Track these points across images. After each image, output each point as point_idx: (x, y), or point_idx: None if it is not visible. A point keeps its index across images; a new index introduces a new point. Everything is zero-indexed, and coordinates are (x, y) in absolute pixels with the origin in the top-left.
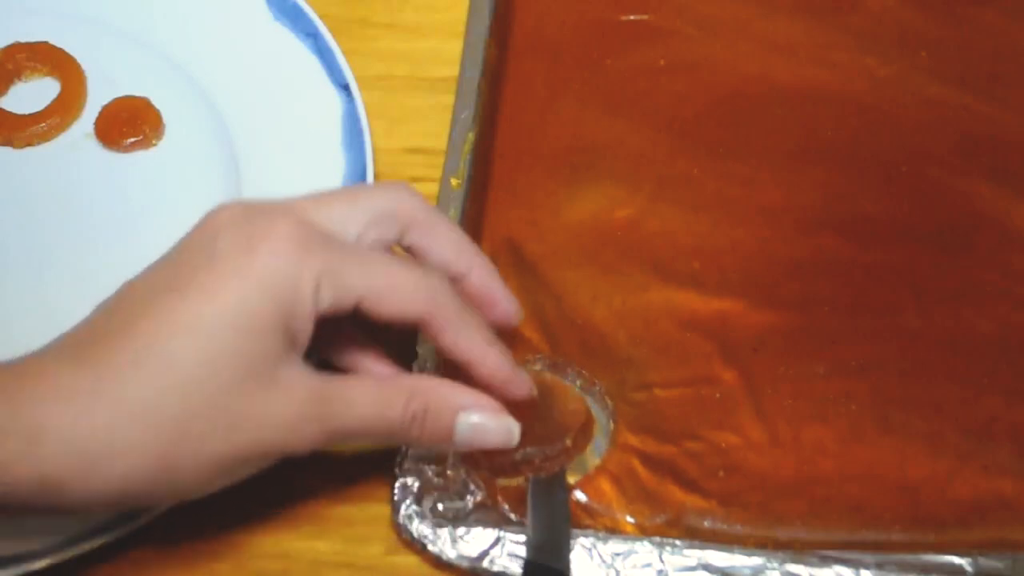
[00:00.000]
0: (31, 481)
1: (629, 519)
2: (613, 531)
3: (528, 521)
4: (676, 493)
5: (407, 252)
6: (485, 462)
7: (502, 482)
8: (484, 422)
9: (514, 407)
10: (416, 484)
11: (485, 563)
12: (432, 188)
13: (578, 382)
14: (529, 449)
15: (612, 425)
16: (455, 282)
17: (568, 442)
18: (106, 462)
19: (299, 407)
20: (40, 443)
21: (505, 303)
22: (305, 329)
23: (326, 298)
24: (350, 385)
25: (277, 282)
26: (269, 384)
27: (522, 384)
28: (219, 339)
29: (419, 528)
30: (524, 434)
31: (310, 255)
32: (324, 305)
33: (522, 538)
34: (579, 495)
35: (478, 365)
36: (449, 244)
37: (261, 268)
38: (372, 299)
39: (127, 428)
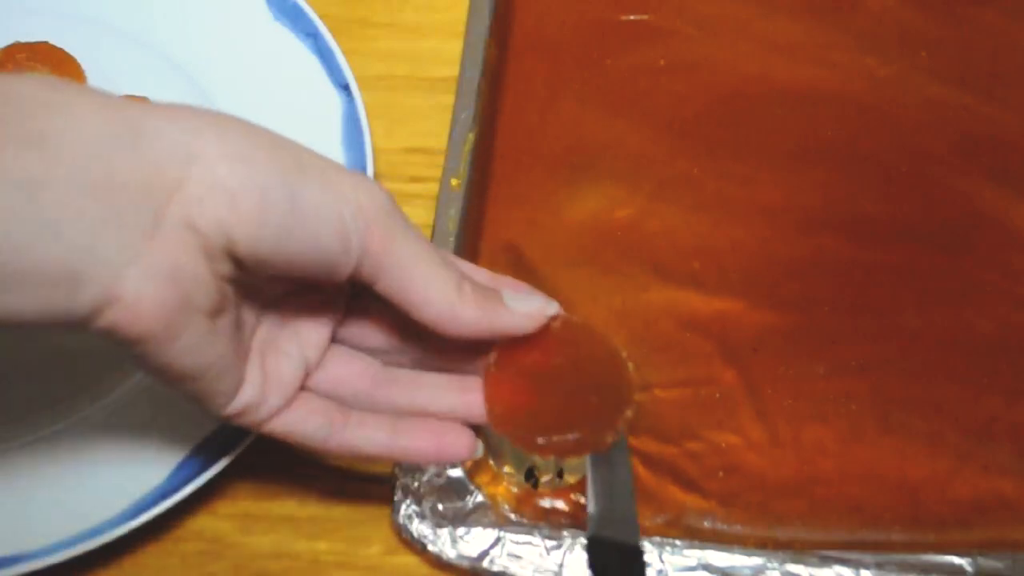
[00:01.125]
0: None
1: None
2: None
3: (588, 493)
4: (676, 493)
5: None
6: (543, 439)
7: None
8: (523, 291)
9: (557, 380)
10: (416, 484)
11: (485, 563)
12: (432, 188)
13: None
14: (579, 433)
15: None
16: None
17: (629, 413)
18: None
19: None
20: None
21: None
22: None
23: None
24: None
25: None
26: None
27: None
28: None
29: (419, 528)
30: (573, 412)
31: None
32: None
33: (522, 537)
34: (579, 496)
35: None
36: None
37: None
38: None
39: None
